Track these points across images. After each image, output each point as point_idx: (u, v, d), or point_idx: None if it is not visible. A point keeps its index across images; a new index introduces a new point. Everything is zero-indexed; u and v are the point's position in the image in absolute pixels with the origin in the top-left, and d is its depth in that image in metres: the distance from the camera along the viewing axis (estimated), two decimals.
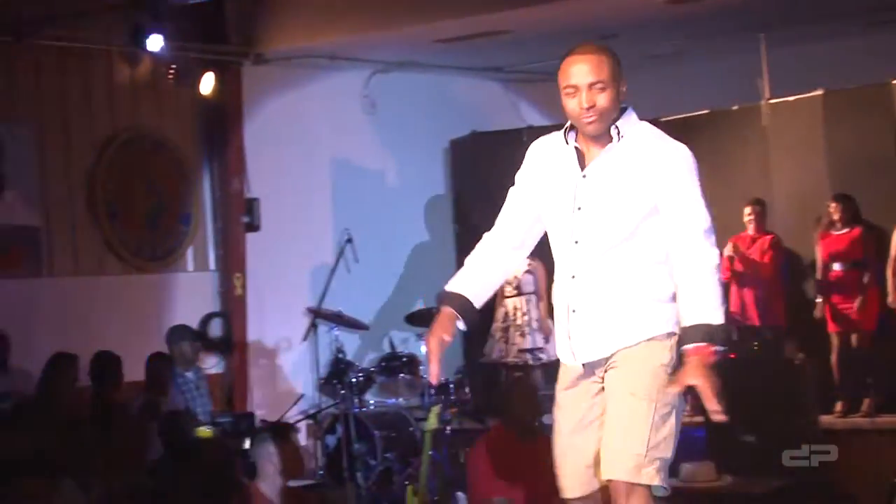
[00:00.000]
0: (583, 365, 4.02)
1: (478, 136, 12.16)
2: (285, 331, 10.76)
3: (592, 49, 3.95)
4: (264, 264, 10.89)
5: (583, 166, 3.99)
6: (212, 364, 10.38)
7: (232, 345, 10.60)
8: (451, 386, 9.35)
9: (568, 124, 4.01)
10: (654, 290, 3.95)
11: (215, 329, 10.56)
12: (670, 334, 3.94)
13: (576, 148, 4.00)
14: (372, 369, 9.72)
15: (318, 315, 9.89)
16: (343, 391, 9.01)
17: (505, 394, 7.17)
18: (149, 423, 7.85)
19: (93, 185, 10.11)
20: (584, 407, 4.04)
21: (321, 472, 9.20)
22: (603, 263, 3.95)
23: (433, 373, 4.07)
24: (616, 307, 3.95)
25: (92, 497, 6.78)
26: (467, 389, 9.57)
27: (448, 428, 8.19)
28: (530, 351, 10.49)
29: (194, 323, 10.17)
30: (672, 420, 3.91)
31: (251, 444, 7.20)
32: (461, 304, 4.11)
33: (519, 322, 10.58)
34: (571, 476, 4.07)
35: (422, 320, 10.08)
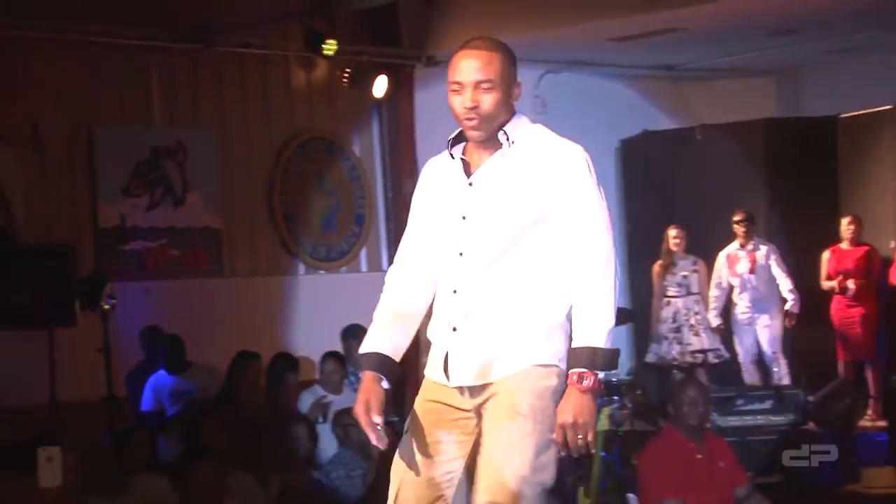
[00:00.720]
0: (456, 388, 3.63)
1: (649, 135, 12.08)
2: None
3: (485, 45, 3.65)
4: None
5: (469, 175, 3.64)
6: None
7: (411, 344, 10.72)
8: (623, 387, 9.30)
9: (453, 134, 3.69)
10: (541, 311, 3.57)
11: None
12: (554, 365, 3.57)
13: (462, 159, 3.66)
14: None
15: None
16: None
17: (676, 395, 7.11)
18: (320, 421, 8.03)
19: (271, 187, 10.38)
20: (443, 436, 3.65)
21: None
22: (486, 278, 3.57)
23: (373, 439, 3.60)
24: (499, 329, 3.57)
25: (270, 493, 6.97)
26: (639, 391, 9.49)
27: (620, 429, 8.13)
28: (705, 352, 10.40)
29: (368, 322, 10.33)
30: (554, 450, 3.52)
31: None
32: (380, 363, 3.71)
33: (692, 322, 10.49)
34: (409, 491, 3.66)
35: None
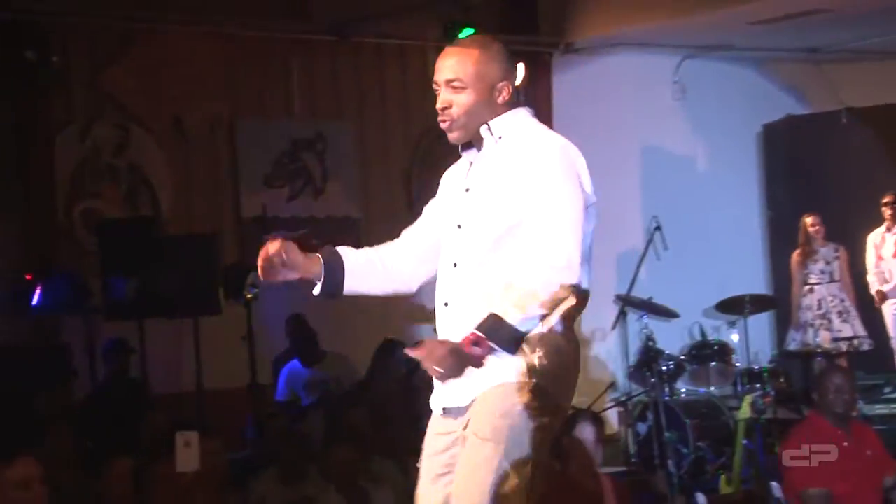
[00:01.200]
0: (443, 411, 3.43)
1: (793, 120, 11.85)
2: (594, 319, 10.77)
3: (465, 42, 3.50)
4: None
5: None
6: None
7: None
8: (765, 374, 9.17)
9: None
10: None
11: None
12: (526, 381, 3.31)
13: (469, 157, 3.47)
14: (682, 357, 9.63)
15: (627, 303, 9.86)
16: (653, 379, 8.96)
17: (821, 382, 6.96)
18: None
19: (409, 177, 10.45)
20: (436, 461, 3.45)
21: (633, 460, 9.19)
22: (472, 289, 3.33)
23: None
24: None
25: (412, 479, 7.02)
26: (782, 378, 9.36)
27: (762, 417, 8.02)
28: (855, 339, 10.21)
29: None
30: (528, 470, 3.25)
31: (562, 431, 7.28)
32: (330, 254, 3.54)
33: (839, 309, 10.31)
34: None
35: (733, 308, 9.93)
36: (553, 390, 3.36)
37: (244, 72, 9.75)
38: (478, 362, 3.17)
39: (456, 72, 3.39)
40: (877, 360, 10.48)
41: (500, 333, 3.17)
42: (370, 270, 3.61)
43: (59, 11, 8.75)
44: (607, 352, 10.79)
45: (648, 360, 9.14)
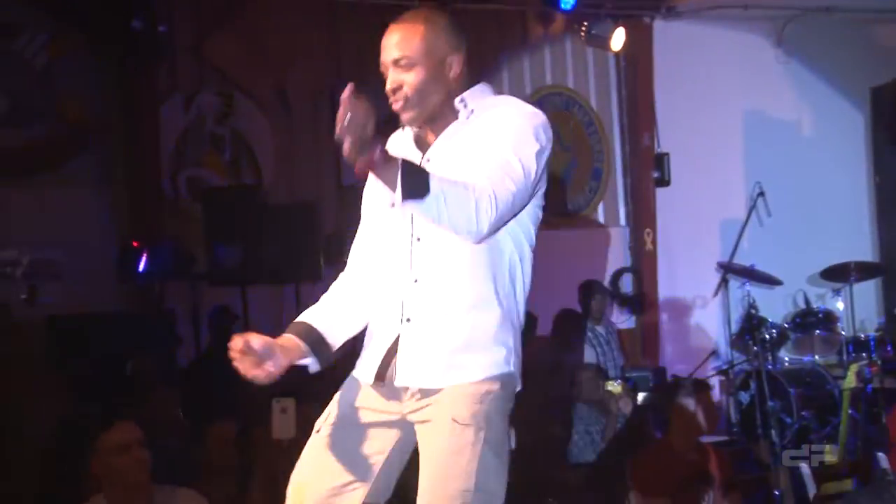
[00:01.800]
0: (386, 389, 3.27)
1: None
2: (696, 286, 10.70)
3: (409, 17, 3.27)
4: (674, 219, 10.86)
5: (424, 152, 3.26)
6: (623, 319, 10.49)
7: (643, 300, 10.66)
8: (872, 343, 9.02)
9: None
10: (496, 306, 3.20)
11: (626, 284, 10.65)
12: (505, 374, 3.22)
13: (416, 134, 3.32)
14: (786, 325, 9.51)
15: (729, 270, 9.76)
16: (756, 347, 8.87)
17: None
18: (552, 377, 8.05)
19: None
20: (357, 443, 3.30)
21: (735, 429, 9.12)
22: (447, 264, 3.19)
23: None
24: (455, 326, 3.18)
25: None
26: (889, 347, 9.19)
27: (868, 386, 7.90)
28: None
29: (606, 278, 10.31)
30: (505, 456, 3.18)
31: (660, 399, 7.24)
32: (306, 332, 3.35)
33: None
34: (310, 480, 3.30)
35: (838, 275, 9.76)
36: (517, 376, 3.30)
37: (346, 39, 9.77)
38: (367, 161, 2.95)
39: (402, 49, 3.25)
40: None
41: (412, 177, 2.96)
42: (343, 322, 3.40)
43: None
44: (708, 320, 10.70)
45: (751, 328, 9.03)
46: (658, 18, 10.86)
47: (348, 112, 2.93)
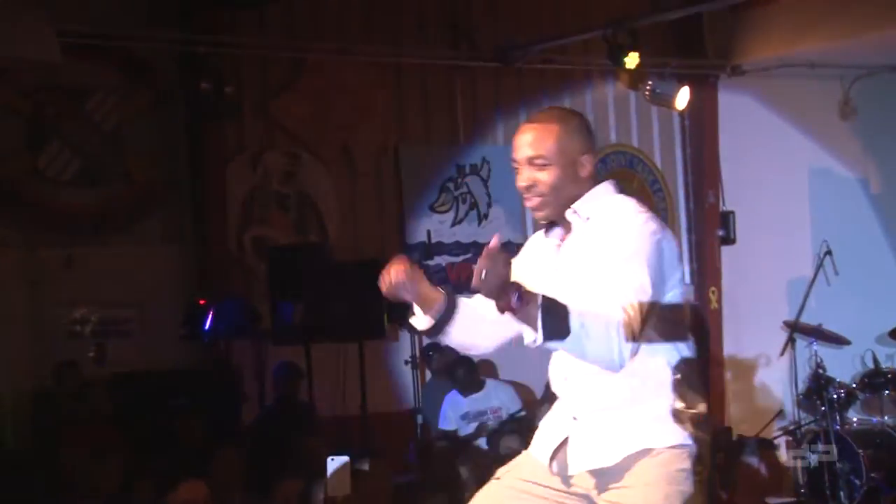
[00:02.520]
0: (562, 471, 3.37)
1: None
2: (762, 345, 10.59)
3: (544, 117, 3.32)
4: (740, 277, 10.79)
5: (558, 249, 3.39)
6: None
7: (708, 358, 10.56)
8: None
9: None
10: (656, 392, 3.27)
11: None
12: (682, 445, 3.28)
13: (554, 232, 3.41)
14: (854, 385, 9.37)
15: (795, 329, 9.64)
16: (823, 407, 8.76)
17: None
18: None
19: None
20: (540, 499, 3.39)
21: (802, 490, 8.98)
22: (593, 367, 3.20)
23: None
24: (620, 414, 3.27)
25: None
26: None
27: None
28: None
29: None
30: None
31: (726, 459, 7.17)
32: (452, 304, 3.42)
33: None
34: None
35: None
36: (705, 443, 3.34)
37: (409, 98, 9.88)
38: (505, 306, 3.01)
39: (537, 149, 3.28)
40: None
41: (544, 308, 3.02)
42: (472, 325, 3.48)
43: (233, 43, 9.00)
44: (774, 379, 10.59)
45: (818, 387, 8.92)
46: (724, 76, 10.86)
47: (489, 264, 2.99)
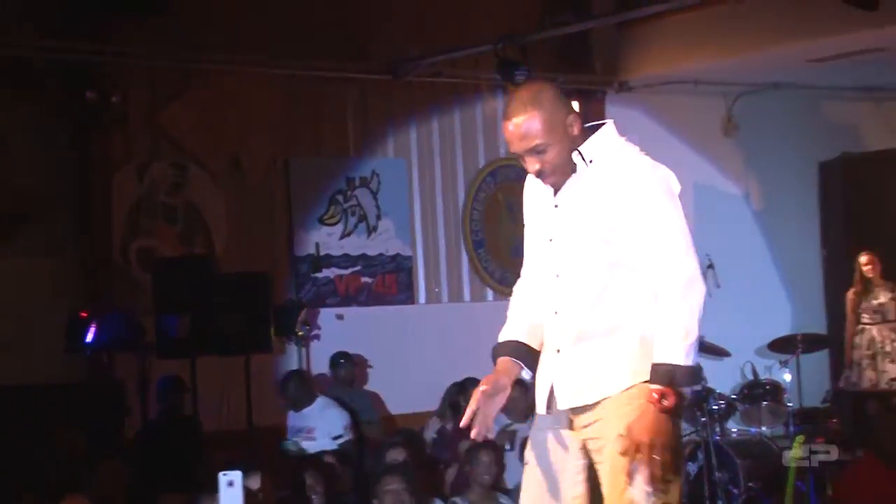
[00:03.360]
0: (562, 413, 3.62)
1: (849, 158, 11.77)
2: None
3: (518, 109, 3.54)
4: None
5: (555, 195, 3.64)
6: None
7: None
8: (818, 415, 9.09)
9: None
10: (638, 326, 3.52)
11: None
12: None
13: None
14: (733, 396, 9.55)
15: None
16: (703, 418, 8.91)
17: (874, 423, 6.92)
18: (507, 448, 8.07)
19: (461, 215, 10.51)
20: (560, 464, 3.64)
21: (683, 500, 9.12)
22: (584, 298, 3.56)
23: (465, 417, 3.61)
24: (601, 348, 3.54)
25: None
26: (835, 418, 9.27)
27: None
28: None
29: None
30: (682, 477, 3.58)
31: None
32: (515, 349, 3.70)
33: (888, 349, 10.22)
34: None
35: (785, 347, 9.83)
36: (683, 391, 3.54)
37: (300, 111, 9.86)
38: (673, 412, 3.38)
39: (531, 140, 3.53)
40: None
41: (679, 377, 3.39)
42: (536, 338, 3.74)
43: (119, 52, 8.91)
44: None
45: (699, 399, 9.08)
46: (611, 92, 11.00)
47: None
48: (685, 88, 10.95)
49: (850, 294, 10.46)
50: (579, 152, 3.56)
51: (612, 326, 3.54)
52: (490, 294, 10.65)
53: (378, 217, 10.13)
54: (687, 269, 3.48)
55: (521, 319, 3.75)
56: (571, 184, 3.60)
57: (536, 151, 3.54)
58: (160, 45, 9.08)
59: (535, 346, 3.71)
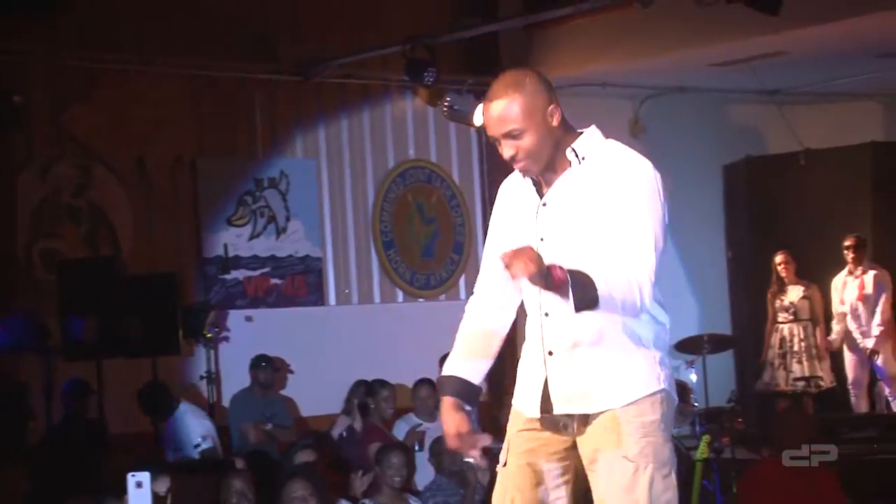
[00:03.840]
0: (552, 417, 3.58)
1: (752, 161, 11.95)
2: None
3: (499, 91, 3.50)
4: None
5: (542, 195, 3.58)
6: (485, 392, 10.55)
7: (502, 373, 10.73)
8: (724, 414, 9.19)
9: None
10: (637, 333, 3.49)
11: None
12: (657, 392, 3.52)
13: (533, 179, 3.61)
14: None
15: None
16: None
17: (779, 422, 7.03)
18: (416, 449, 8.07)
19: (371, 216, 10.49)
20: (542, 466, 3.62)
21: None
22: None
23: (476, 458, 3.72)
24: (598, 353, 3.50)
25: None
26: (740, 418, 9.39)
27: (720, 457, 8.05)
28: (808, 379, 10.27)
29: None
30: (672, 479, 3.51)
31: None
32: (458, 388, 3.69)
33: (797, 349, 10.39)
34: None
35: (691, 347, 9.96)
36: (673, 394, 3.58)
37: (207, 111, 9.77)
38: (551, 286, 3.26)
39: (508, 123, 3.48)
40: (838, 400, 10.55)
41: (584, 290, 3.28)
42: (487, 357, 3.75)
43: (22, 52, 8.75)
44: None
45: None
46: None
47: (515, 257, 3.25)
48: (593, 90, 11.03)
49: (769, 294, 10.66)
50: (573, 150, 3.53)
51: (607, 330, 3.49)
52: (400, 295, 10.65)
53: (287, 218, 10.07)
54: (642, 271, 3.38)
55: (468, 349, 3.73)
56: (563, 181, 3.54)
57: (512, 136, 3.50)
58: (64, 44, 8.94)
59: (481, 371, 3.73)
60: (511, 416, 3.71)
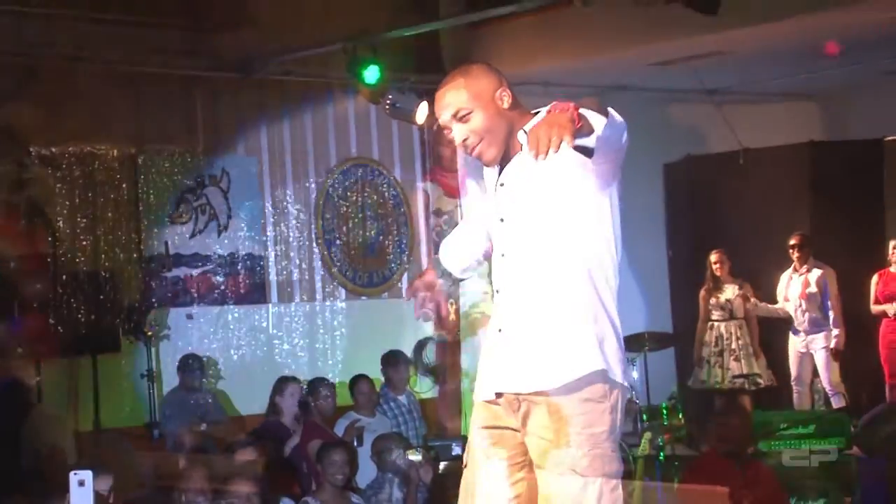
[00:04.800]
0: (496, 396, 3.57)
1: (693, 160, 12.03)
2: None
3: (447, 80, 3.60)
4: (482, 289, 11.00)
5: (500, 173, 3.62)
6: (426, 388, 10.55)
7: (446, 370, 10.73)
8: (664, 412, 9.26)
9: None
10: (588, 314, 3.47)
11: (430, 354, 10.72)
12: (606, 382, 3.47)
13: None
14: None
15: None
16: None
17: (719, 420, 7.09)
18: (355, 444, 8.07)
19: (313, 214, 10.46)
20: (500, 460, 3.61)
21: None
22: (528, 278, 3.51)
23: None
24: (544, 332, 3.47)
25: None
26: (680, 416, 9.47)
27: (660, 454, 8.11)
28: (746, 376, 10.36)
29: (409, 348, 10.37)
30: (619, 492, 3.50)
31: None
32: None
33: (734, 347, 10.47)
34: None
35: (633, 345, 10.02)
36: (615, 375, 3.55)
37: (148, 108, 9.69)
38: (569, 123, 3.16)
39: (453, 105, 3.53)
40: (777, 397, 10.64)
41: (592, 117, 3.31)
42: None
43: None
44: None
45: None
46: None
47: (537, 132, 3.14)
48: (535, 90, 11.06)
49: (702, 293, 10.73)
50: (524, 131, 3.38)
51: (555, 308, 3.46)
52: (343, 293, 10.62)
53: (229, 216, 10.02)
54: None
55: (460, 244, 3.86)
56: (516, 162, 3.55)
57: (459, 118, 3.52)
58: (2, 39, 8.83)
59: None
60: (473, 414, 3.68)
